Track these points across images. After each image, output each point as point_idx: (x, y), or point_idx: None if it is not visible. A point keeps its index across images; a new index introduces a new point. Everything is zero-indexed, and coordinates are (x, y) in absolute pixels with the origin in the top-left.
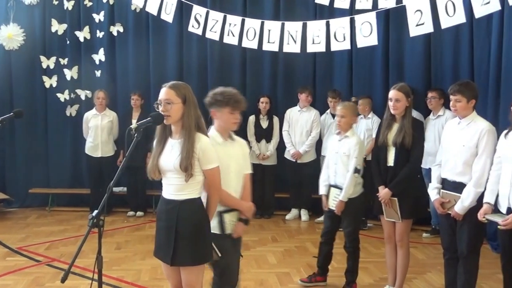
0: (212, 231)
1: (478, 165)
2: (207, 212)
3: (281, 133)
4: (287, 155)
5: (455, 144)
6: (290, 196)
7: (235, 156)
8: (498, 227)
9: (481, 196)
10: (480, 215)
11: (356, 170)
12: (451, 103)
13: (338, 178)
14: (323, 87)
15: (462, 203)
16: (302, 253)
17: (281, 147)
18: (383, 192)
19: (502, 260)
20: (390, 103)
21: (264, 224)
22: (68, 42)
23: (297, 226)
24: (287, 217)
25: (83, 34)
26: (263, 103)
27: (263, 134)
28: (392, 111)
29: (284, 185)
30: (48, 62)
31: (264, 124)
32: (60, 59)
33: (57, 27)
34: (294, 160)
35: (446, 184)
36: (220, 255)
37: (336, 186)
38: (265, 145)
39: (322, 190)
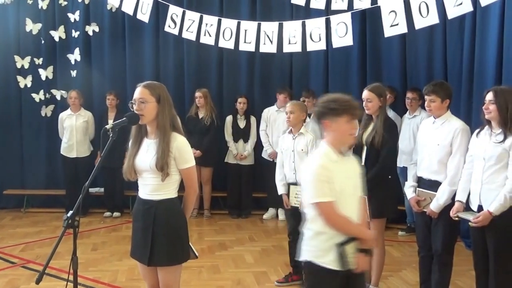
0: (325, 266)
1: (452, 163)
2: (184, 211)
3: (259, 133)
4: (265, 154)
5: (430, 143)
6: (268, 196)
7: (352, 175)
8: (469, 224)
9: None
10: (452, 213)
11: None
12: (426, 103)
13: (299, 175)
14: (299, 87)
15: (437, 201)
16: (279, 252)
17: (258, 147)
18: None
19: (474, 257)
20: (363, 104)
21: (241, 223)
22: (43, 41)
23: (274, 226)
24: (265, 216)
25: (58, 34)
26: (241, 103)
27: (241, 134)
28: (366, 111)
29: (261, 185)
30: (22, 62)
31: (242, 124)
32: (35, 59)
33: (32, 27)
34: (271, 160)
35: (421, 182)
36: (197, 255)
37: (295, 184)
38: (242, 145)
39: (281, 190)
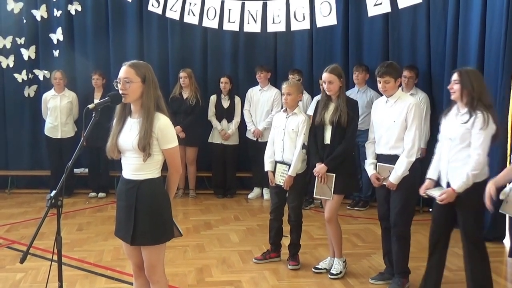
0: None
1: (409, 136)
2: (168, 191)
3: (243, 113)
4: (249, 134)
5: (387, 121)
6: (253, 175)
7: None
8: (436, 200)
9: (413, 165)
10: (421, 191)
11: (304, 146)
12: (380, 84)
13: (286, 154)
14: (284, 67)
15: (395, 173)
16: (264, 231)
17: (243, 127)
18: (320, 167)
19: (431, 228)
20: (324, 85)
21: (226, 203)
22: (24, 21)
23: (259, 205)
24: (250, 196)
25: (40, 13)
26: (223, 83)
27: (224, 114)
28: (327, 93)
29: (246, 164)
30: (4, 42)
31: (226, 104)
32: (17, 39)
33: (13, 6)
34: (255, 139)
35: (381, 158)
36: (182, 233)
37: (282, 162)
38: (226, 125)
39: (267, 167)
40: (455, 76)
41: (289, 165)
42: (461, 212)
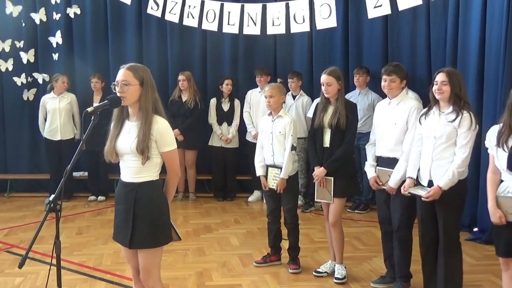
0: None
1: (408, 140)
2: (166, 194)
3: (242, 116)
4: (249, 137)
5: (388, 123)
6: (253, 178)
7: None
8: (422, 199)
9: None
10: (403, 189)
11: (293, 148)
12: (385, 83)
13: (276, 158)
14: (284, 69)
15: (394, 177)
16: (264, 234)
17: (243, 130)
18: (319, 170)
19: (422, 229)
20: (323, 88)
21: (226, 206)
22: (23, 24)
23: (259, 208)
24: (250, 199)
25: (39, 16)
26: (228, 85)
27: (224, 117)
28: (325, 95)
29: (246, 167)
30: (3, 45)
31: (226, 107)
32: (16, 42)
33: (12, 9)
34: (255, 142)
35: (381, 161)
36: (180, 237)
37: (274, 166)
38: (226, 128)
39: (259, 172)
40: (443, 77)
41: (281, 168)
42: (442, 209)
